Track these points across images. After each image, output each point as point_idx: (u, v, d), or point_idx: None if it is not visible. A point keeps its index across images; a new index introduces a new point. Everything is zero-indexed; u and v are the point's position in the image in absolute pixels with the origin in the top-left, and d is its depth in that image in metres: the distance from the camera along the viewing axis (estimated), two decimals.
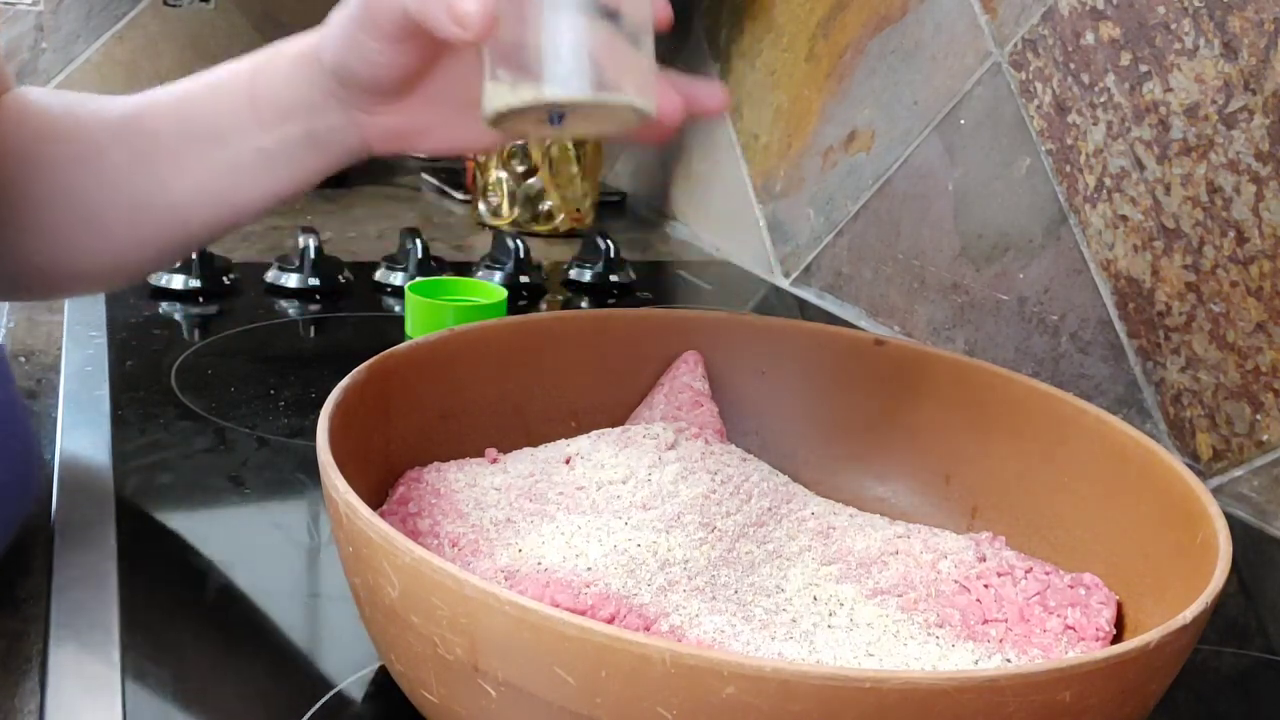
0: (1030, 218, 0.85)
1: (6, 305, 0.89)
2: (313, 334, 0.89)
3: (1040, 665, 0.34)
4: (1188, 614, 0.37)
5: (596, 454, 0.55)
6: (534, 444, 0.57)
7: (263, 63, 0.58)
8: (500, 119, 0.46)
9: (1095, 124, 0.79)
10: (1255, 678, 0.55)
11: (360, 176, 1.39)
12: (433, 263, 0.99)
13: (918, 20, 0.96)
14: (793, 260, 1.13)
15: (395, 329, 0.90)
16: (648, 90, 0.47)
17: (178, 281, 0.91)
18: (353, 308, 0.94)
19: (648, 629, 0.43)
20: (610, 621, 0.42)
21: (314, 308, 0.93)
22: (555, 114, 0.46)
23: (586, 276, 1.04)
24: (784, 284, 1.13)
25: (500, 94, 0.46)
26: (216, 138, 0.58)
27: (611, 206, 1.40)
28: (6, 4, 1.35)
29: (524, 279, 1.01)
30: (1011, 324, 0.87)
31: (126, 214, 0.60)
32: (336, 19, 0.53)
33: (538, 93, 0.45)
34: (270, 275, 0.96)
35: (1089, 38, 0.80)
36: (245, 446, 0.66)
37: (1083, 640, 0.45)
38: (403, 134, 0.57)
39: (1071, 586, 0.48)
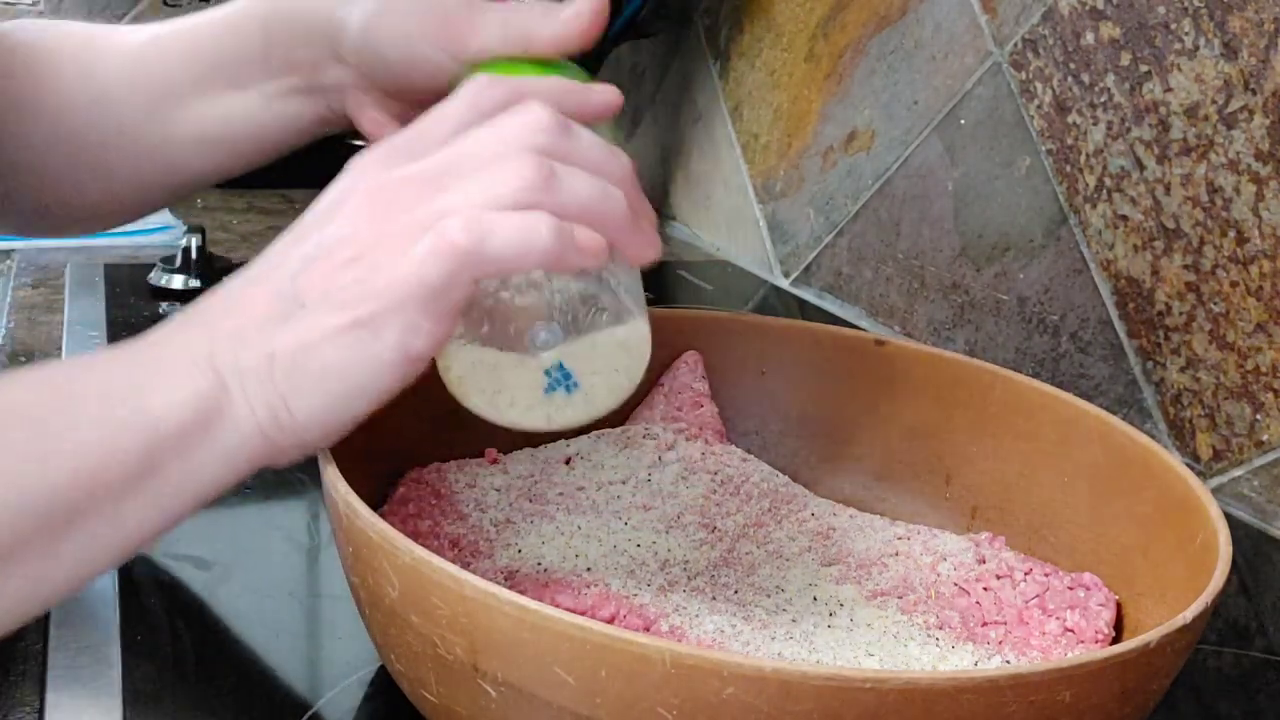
0: (1030, 218, 0.85)
1: (7, 305, 0.89)
2: None
3: (1040, 665, 0.34)
4: (1188, 614, 0.37)
5: (596, 454, 0.55)
6: (534, 444, 0.57)
7: (276, 10, 0.57)
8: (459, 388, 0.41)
9: (1095, 124, 0.79)
10: (1255, 678, 0.55)
11: None
12: None
13: (918, 20, 0.96)
14: (793, 260, 1.13)
15: None
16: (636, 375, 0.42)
17: (177, 281, 0.91)
18: None
19: (648, 629, 0.43)
20: (610, 621, 0.42)
21: None
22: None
23: None
24: (784, 284, 1.13)
25: (477, 380, 0.41)
26: (227, 80, 0.58)
27: None
28: (6, 4, 1.35)
29: None
30: (1011, 324, 0.87)
31: (132, 161, 0.60)
32: (401, 10, 0.51)
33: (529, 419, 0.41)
34: None
35: (1089, 38, 0.80)
36: None
37: (1082, 643, 0.45)
38: (383, 124, 0.55)
39: (1071, 588, 0.48)
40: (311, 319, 0.37)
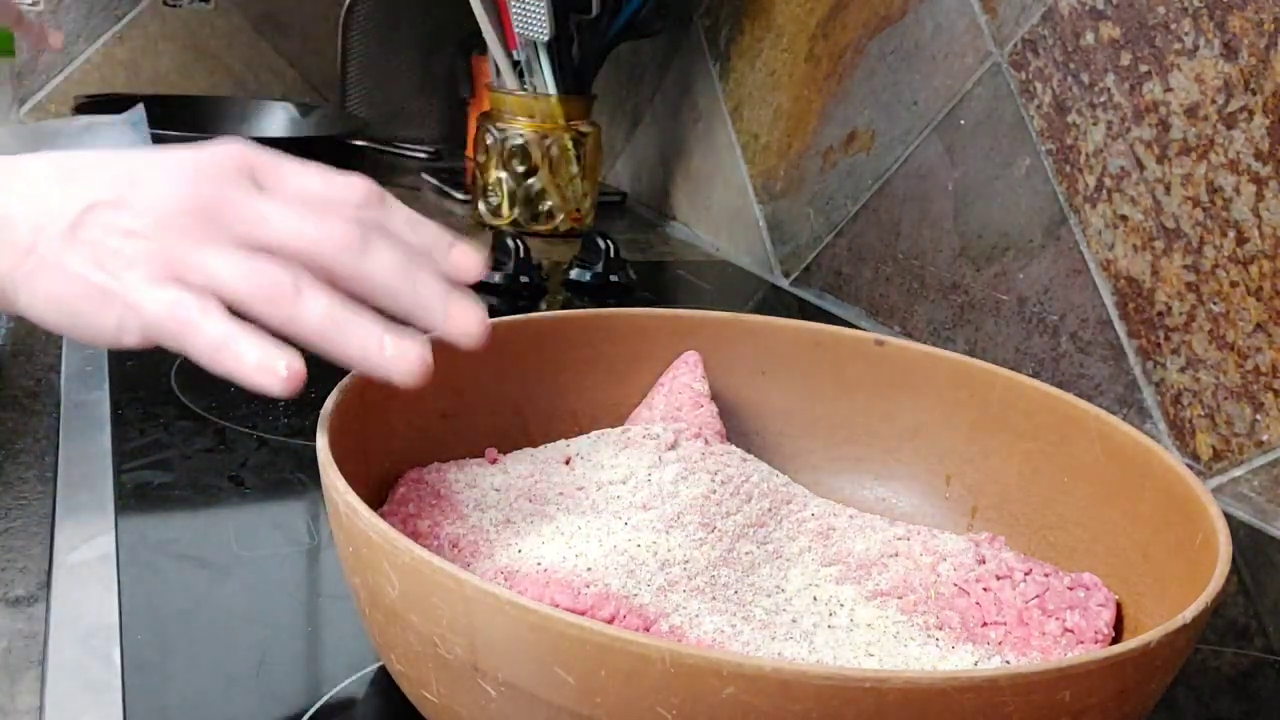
0: (1030, 218, 0.85)
1: None
2: None
3: (1040, 665, 0.34)
4: (1188, 614, 0.37)
5: (596, 454, 0.55)
6: (534, 444, 0.57)
7: None
8: None
9: (1095, 124, 0.79)
10: (1255, 678, 0.55)
11: None
12: None
13: (918, 20, 0.96)
14: (793, 260, 1.13)
15: None
16: None
17: None
18: None
19: (647, 629, 0.43)
20: (610, 621, 0.42)
21: None
22: None
23: (586, 276, 1.04)
24: (784, 284, 1.13)
25: None
26: None
27: (611, 206, 1.40)
28: None
29: (524, 279, 1.00)
30: (1011, 324, 0.87)
31: None
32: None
33: None
34: None
35: (1089, 38, 0.80)
36: (245, 446, 0.66)
37: (1081, 643, 0.45)
38: None
39: (1071, 588, 0.48)
40: (73, 251, 0.42)
